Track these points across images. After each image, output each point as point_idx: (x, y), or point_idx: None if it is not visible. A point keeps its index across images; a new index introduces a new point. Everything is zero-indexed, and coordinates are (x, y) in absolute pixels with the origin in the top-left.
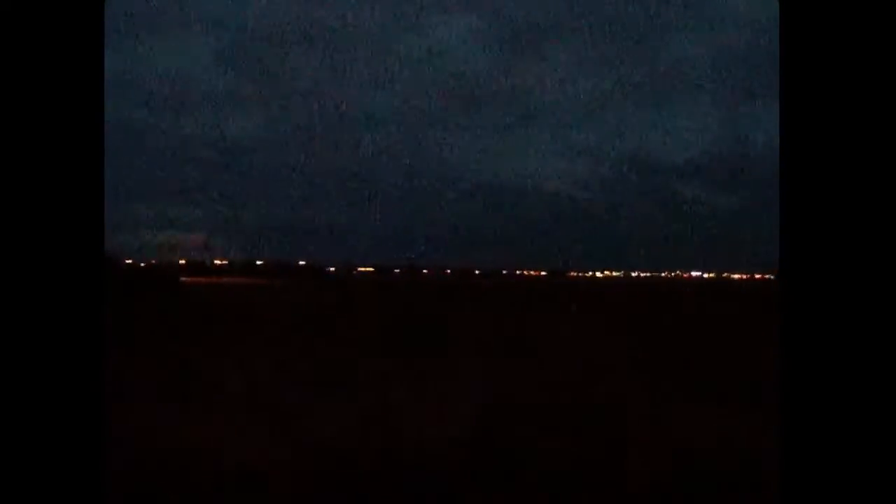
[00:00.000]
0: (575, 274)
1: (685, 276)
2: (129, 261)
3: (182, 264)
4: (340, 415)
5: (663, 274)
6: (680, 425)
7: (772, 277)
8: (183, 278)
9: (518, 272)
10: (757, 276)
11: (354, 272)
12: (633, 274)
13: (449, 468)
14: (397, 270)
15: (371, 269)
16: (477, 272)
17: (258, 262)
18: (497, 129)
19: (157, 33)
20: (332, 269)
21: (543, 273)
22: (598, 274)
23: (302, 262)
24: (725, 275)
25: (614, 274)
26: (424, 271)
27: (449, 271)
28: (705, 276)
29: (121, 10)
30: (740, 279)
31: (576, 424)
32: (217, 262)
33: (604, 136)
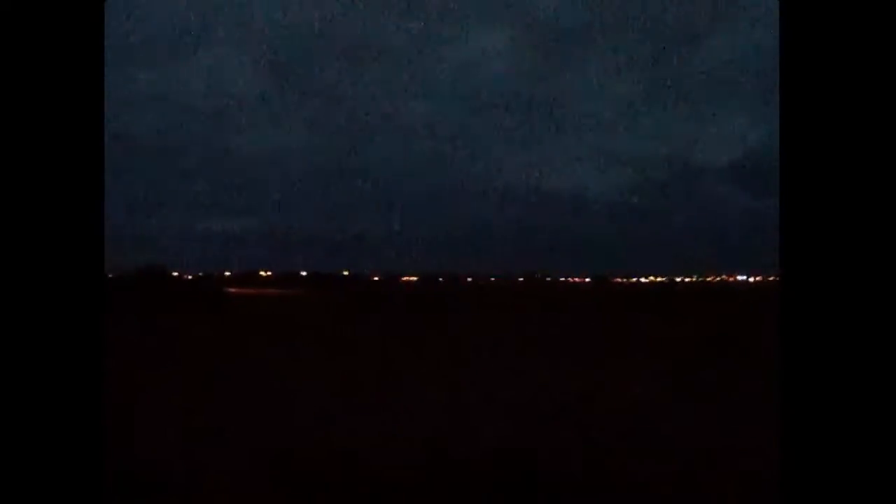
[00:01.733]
0: (620, 280)
1: (731, 279)
2: (175, 273)
3: (228, 276)
4: None
5: (709, 279)
6: None
7: None
8: (230, 289)
9: (561, 279)
10: None
11: (400, 281)
12: (678, 279)
13: None
14: (441, 279)
15: (415, 277)
16: (520, 279)
17: (302, 273)
18: (534, 136)
19: (199, 51)
20: (377, 278)
21: (587, 279)
22: (643, 279)
23: (345, 273)
24: (772, 278)
25: (658, 279)
26: (469, 279)
27: (493, 279)
28: (751, 279)
29: (160, 28)
30: None
31: None
32: (262, 273)
33: (643, 140)
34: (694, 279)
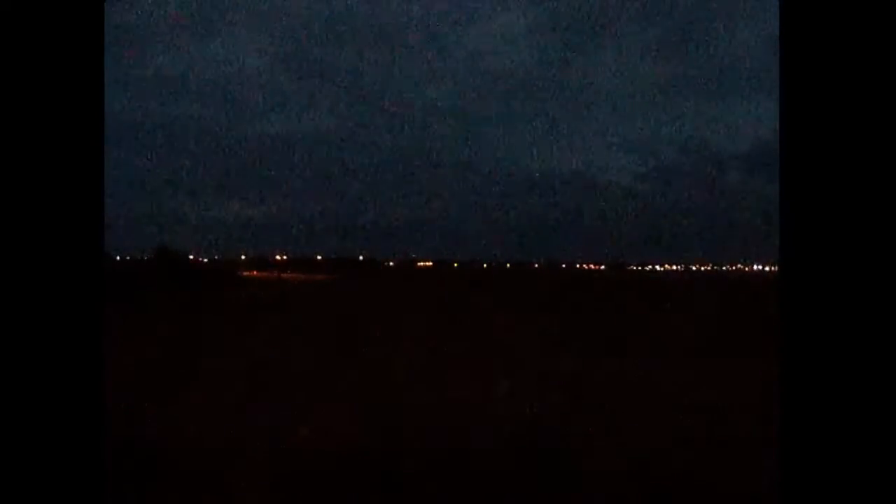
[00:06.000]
0: (634, 267)
1: (747, 269)
2: (192, 256)
3: (243, 260)
4: None
5: (724, 267)
6: None
7: None
8: (244, 272)
9: (577, 265)
10: None
11: (416, 266)
12: (693, 267)
13: None
14: (456, 265)
15: (430, 263)
16: (536, 265)
17: (318, 258)
18: (552, 120)
19: (215, 35)
20: (392, 263)
21: (602, 266)
22: (658, 267)
23: (360, 258)
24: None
25: (673, 267)
26: (485, 265)
27: (508, 265)
28: (767, 269)
29: (181, 11)
30: None
31: None
32: (277, 257)
33: (660, 126)
34: (710, 268)
